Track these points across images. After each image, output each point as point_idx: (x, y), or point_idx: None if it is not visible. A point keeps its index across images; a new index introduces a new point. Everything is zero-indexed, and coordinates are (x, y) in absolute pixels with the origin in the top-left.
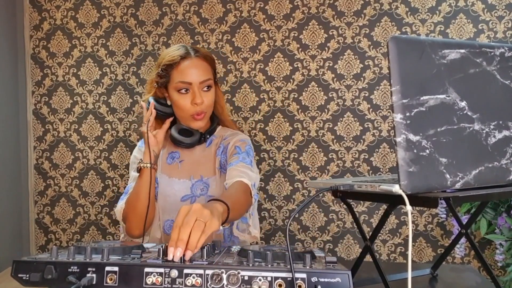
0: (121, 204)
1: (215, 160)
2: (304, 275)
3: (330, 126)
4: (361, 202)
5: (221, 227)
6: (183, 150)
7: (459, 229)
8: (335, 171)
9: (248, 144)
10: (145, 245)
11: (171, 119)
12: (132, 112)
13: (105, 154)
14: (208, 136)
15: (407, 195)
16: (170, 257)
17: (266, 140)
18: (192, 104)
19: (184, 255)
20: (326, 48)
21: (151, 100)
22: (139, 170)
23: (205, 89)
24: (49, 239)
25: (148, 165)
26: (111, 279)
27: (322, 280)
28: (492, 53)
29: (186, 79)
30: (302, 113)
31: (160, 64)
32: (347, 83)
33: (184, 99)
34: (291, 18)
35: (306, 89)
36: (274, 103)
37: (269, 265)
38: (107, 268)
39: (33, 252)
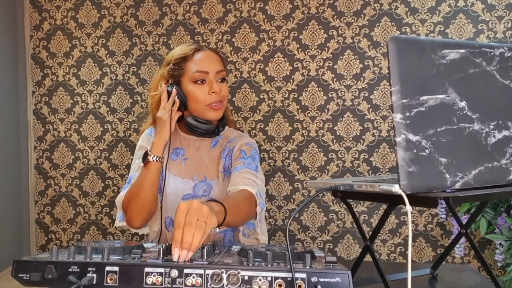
0: (122, 194)
1: (219, 163)
2: (304, 275)
3: (330, 126)
4: (361, 202)
5: (217, 229)
6: (188, 147)
7: (459, 229)
8: (335, 171)
9: (254, 149)
10: (145, 245)
11: (180, 113)
12: (132, 112)
13: (105, 154)
14: (221, 129)
15: (407, 195)
16: (175, 258)
17: (266, 140)
18: (209, 93)
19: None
20: (326, 48)
21: (175, 88)
22: (144, 159)
23: (220, 80)
24: (49, 239)
25: (157, 158)
26: (111, 279)
27: (322, 280)
28: (492, 53)
29: (203, 68)
30: (302, 113)
31: (171, 61)
32: (347, 83)
33: (201, 89)
34: (291, 18)
35: (306, 89)
36: (274, 103)
37: (269, 265)
38: (107, 268)
39: (33, 252)
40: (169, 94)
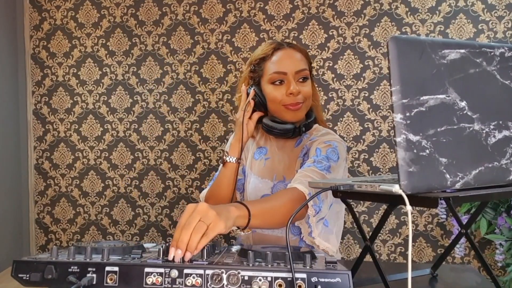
0: (205, 191)
1: (297, 162)
2: (304, 275)
3: (330, 126)
4: (361, 202)
5: (241, 232)
6: (271, 146)
7: (459, 229)
8: None
9: (332, 147)
10: (145, 245)
11: (261, 113)
12: (132, 112)
13: (105, 154)
14: (304, 130)
15: (407, 195)
16: (170, 257)
17: None
18: (287, 94)
19: (183, 256)
20: (326, 48)
21: (252, 89)
22: (223, 161)
23: (301, 80)
24: (49, 239)
25: (234, 159)
26: (111, 279)
27: (322, 280)
28: (492, 53)
29: (281, 69)
30: None
31: (252, 61)
32: (347, 83)
33: (278, 90)
34: (291, 18)
35: None
36: None
37: (269, 265)
38: (107, 268)
39: (33, 252)
40: (248, 95)
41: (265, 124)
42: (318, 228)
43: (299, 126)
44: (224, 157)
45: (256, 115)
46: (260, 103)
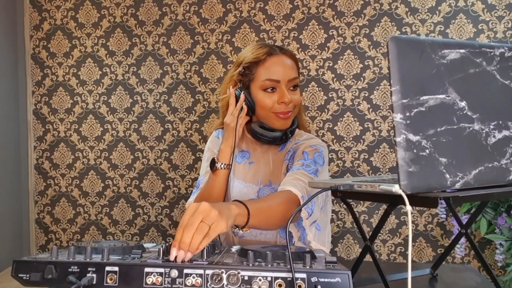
0: (192, 199)
1: (283, 165)
2: (304, 275)
3: (330, 126)
4: (361, 202)
5: (240, 231)
6: (255, 150)
7: (459, 229)
8: (335, 171)
9: (318, 151)
10: (145, 245)
11: (248, 118)
12: (132, 112)
13: (105, 154)
14: (290, 135)
15: (407, 195)
16: (172, 258)
17: None
18: (279, 103)
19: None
20: (326, 48)
21: (242, 93)
22: (212, 166)
23: (292, 88)
24: (49, 239)
25: (225, 165)
26: (111, 279)
27: (322, 280)
28: (492, 53)
29: (274, 76)
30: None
31: (242, 62)
32: (347, 83)
33: (270, 98)
34: (291, 18)
35: (306, 89)
36: None
37: (269, 265)
38: (107, 268)
39: (33, 252)
40: (237, 98)
41: (254, 131)
42: (312, 232)
43: (286, 132)
44: (217, 163)
45: (244, 120)
46: (249, 108)
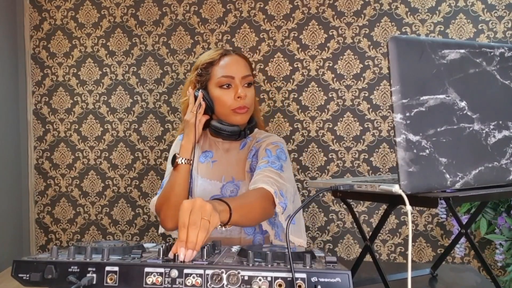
0: (155, 198)
1: (246, 163)
2: (304, 275)
3: (330, 126)
4: (361, 202)
5: (223, 228)
6: (217, 149)
7: (459, 229)
8: (335, 171)
9: (280, 148)
10: (145, 245)
11: (207, 117)
12: (132, 112)
13: (105, 154)
14: (248, 132)
15: (407, 195)
16: (181, 258)
17: None
18: (235, 98)
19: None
20: (326, 48)
21: (200, 92)
22: (173, 163)
23: (246, 85)
24: (49, 239)
25: (186, 160)
26: (111, 279)
27: (322, 280)
28: (492, 53)
29: (229, 73)
30: (302, 113)
31: (199, 65)
32: (347, 83)
33: (227, 94)
34: (291, 18)
35: (306, 89)
36: (274, 103)
37: (269, 265)
38: (107, 268)
39: (33, 252)
40: (196, 98)
41: (213, 126)
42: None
43: (244, 129)
44: (177, 159)
45: (204, 118)
46: (207, 107)
